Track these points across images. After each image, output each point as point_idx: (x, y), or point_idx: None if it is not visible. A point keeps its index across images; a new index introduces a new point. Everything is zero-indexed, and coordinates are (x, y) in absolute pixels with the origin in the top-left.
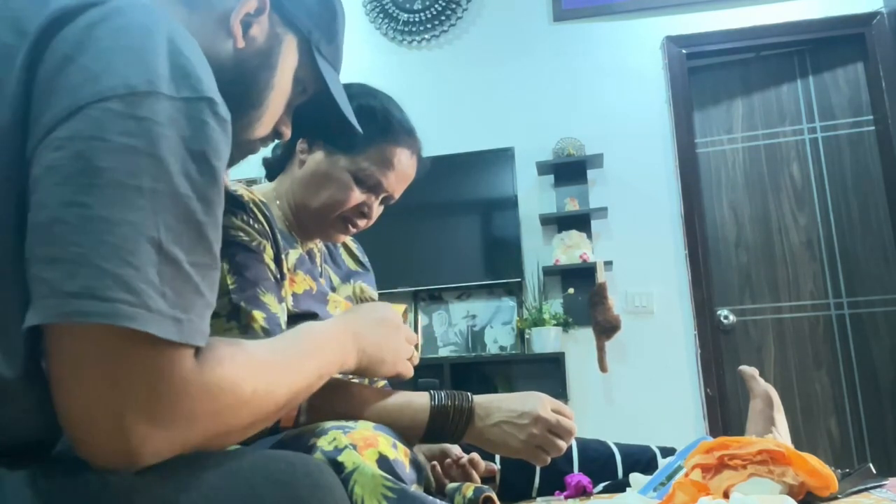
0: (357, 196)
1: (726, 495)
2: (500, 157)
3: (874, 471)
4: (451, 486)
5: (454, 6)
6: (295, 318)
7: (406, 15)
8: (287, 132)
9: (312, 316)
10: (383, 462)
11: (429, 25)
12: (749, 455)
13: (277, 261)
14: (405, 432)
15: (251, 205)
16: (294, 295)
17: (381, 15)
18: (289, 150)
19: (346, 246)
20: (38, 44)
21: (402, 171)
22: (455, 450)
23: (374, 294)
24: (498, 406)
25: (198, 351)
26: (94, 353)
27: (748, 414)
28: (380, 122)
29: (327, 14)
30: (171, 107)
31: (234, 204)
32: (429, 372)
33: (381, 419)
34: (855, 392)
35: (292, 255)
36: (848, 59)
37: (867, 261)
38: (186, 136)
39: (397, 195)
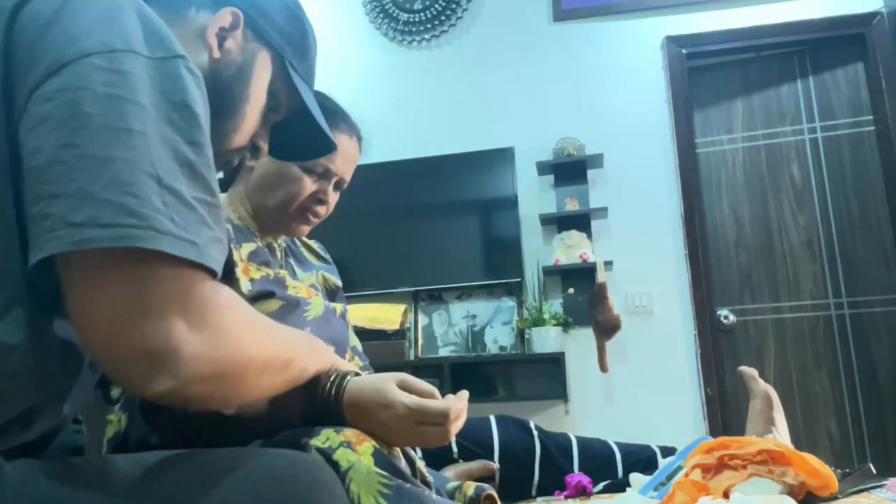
0: (309, 185)
1: (726, 495)
2: (500, 157)
3: (874, 471)
4: (452, 484)
5: (454, 6)
6: (252, 299)
7: (406, 15)
8: (265, 147)
9: (269, 294)
10: (379, 456)
11: (429, 25)
12: (749, 455)
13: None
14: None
15: None
16: (252, 280)
17: (381, 15)
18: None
19: (307, 246)
20: (13, 15)
21: (344, 153)
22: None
23: (338, 282)
24: (364, 413)
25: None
26: (115, 276)
27: (748, 414)
28: None
29: (298, 33)
30: (148, 65)
31: None
32: (429, 372)
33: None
34: (855, 392)
35: (247, 248)
36: (848, 59)
37: (867, 261)
38: (166, 89)
39: (348, 177)
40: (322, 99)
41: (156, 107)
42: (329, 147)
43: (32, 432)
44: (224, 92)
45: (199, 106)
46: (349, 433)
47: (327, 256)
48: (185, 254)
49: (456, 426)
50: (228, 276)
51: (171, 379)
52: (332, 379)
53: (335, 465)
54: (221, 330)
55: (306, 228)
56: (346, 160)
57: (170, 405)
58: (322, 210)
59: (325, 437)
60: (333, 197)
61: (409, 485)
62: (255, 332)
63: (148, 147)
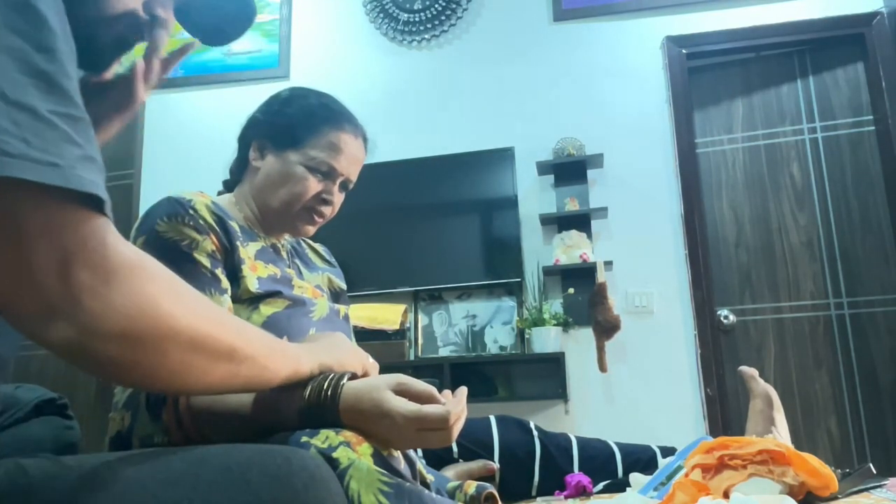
0: (314, 185)
1: (726, 495)
2: (500, 157)
3: (874, 471)
4: (452, 484)
5: (454, 6)
6: (259, 298)
7: (406, 15)
8: (166, 16)
9: (276, 294)
10: (378, 456)
11: (429, 25)
12: (749, 455)
13: (227, 251)
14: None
15: (195, 205)
16: (259, 278)
17: (381, 15)
18: (243, 163)
19: (312, 248)
20: None
21: (350, 153)
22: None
23: (342, 285)
24: (362, 423)
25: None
26: None
27: (748, 414)
28: (319, 112)
29: None
30: None
31: (167, 208)
32: (429, 372)
33: (259, 403)
34: (855, 392)
35: (253, 247)
36: (848, 59)
37: (867, 261)
38: None
39: (354, 178)
40: (327, 100)
41: None
42: (250, 7)
43: None
44: None
45: (46, 5)
46: (348, 434)
47: (332, 260)
48: (44, 178)
49: (457, 427)
50: (235, 274)
51: (69, 326)
52: (327, 381)
53: (334, 463)
54: (129, 283)
55: (311, 229)
56: (351, 160)
57: (104, 374)
58: (327, 210)
59: (325, 437)
60: (339, 197)
61: (409, 483)
62: (182, 302)
63: None
